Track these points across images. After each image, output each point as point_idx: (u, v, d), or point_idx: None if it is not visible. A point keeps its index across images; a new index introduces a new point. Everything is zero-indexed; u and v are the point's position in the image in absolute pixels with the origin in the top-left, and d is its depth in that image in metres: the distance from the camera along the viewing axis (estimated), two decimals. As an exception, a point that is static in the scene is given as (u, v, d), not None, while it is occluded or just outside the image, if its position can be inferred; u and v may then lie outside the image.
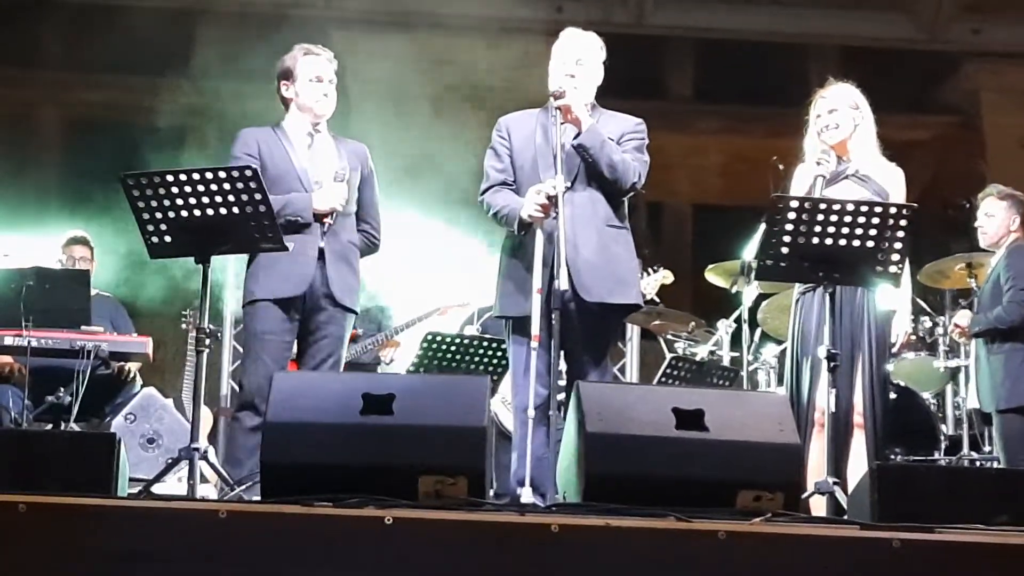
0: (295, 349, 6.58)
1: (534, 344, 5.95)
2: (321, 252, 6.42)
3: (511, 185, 6.33)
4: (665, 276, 9.07)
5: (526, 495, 5.70)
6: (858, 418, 6.37)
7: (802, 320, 6.54)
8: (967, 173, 12.76)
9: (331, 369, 6.45)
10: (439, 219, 10.62)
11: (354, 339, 8.75)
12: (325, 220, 6.43)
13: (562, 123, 6.17)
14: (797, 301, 6.62)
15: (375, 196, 6.80)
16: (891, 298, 6.51)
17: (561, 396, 6.21)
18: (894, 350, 6.65)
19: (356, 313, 6.64)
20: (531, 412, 5.91)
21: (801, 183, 6.54)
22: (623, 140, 6.33)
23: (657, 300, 9.32)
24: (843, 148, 6.59)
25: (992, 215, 8.07)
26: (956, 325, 8.24)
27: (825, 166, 6.40)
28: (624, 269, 6.35)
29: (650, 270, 9.11)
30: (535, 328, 5.95)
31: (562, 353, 6.13)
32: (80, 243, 8.98)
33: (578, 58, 6.34)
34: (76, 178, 12.69)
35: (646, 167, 6.36)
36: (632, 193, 6.35)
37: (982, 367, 7.93)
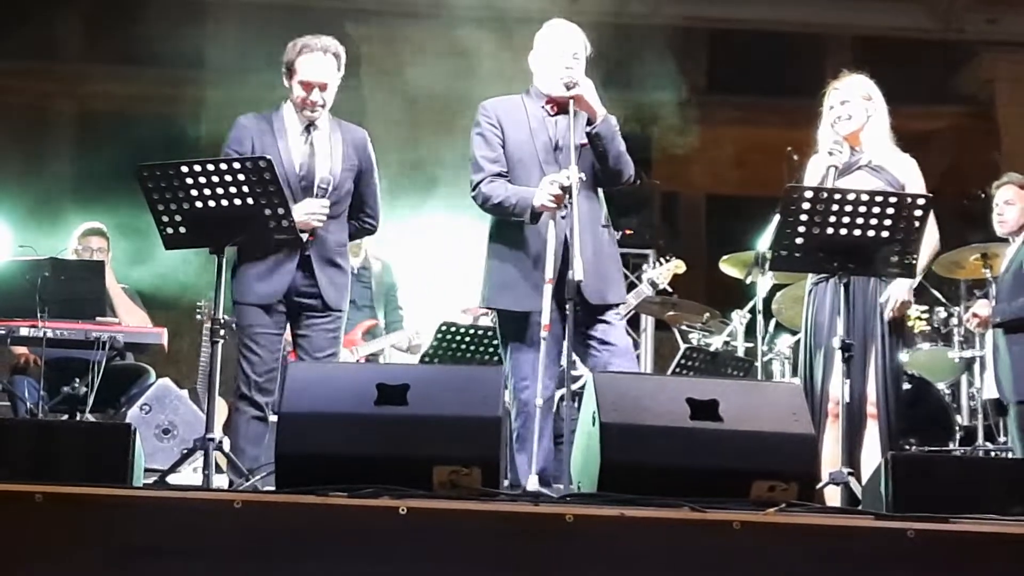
0: (288, 338, 6.58)
1: (544, 334, 5.94)
2: (308, 259, 6.40)
3: (506, 176, 6.30)
4: (677, 265, 9.07)
5: (531, 483, 5.71)
6: (871, 408, 6.36)
7: (815, 310, 6.54)
8: (982, 163, 12.75)
9: None
10: (454, 213, 10.61)
11: (371, 331, 8.75)
12: (303, 233, 6.38)
13: (554, 114, 6.18)
14: (810, 292, 6.62)
15: (374, 185, 6.72)
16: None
17: (561, 392, 6.25)
18: (886, 314, 6.57)
19: (344, 312, 6.62)
20: (539, 402, 5.92)
21: (814, 174, 6.53)
22: None
23: (670, 290, 9.31)
24: (856, 139, 6.60)
25: (1012, 203, 8.03)
26: (975, 314, 8.19)
27: (837, 156, 6.39)
28: (614, 269, 6.41)
29: (662, 259, 9.10)
30: (545, 318, 5.94)
31: (565, 346, 6.07)
32: (97, 234, 8.99)
33: (575, 52, 6.33)
34: (92, 169, 12.72)
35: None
36: (623, 186, 6.37)
37: (1002, 357, 7.87)
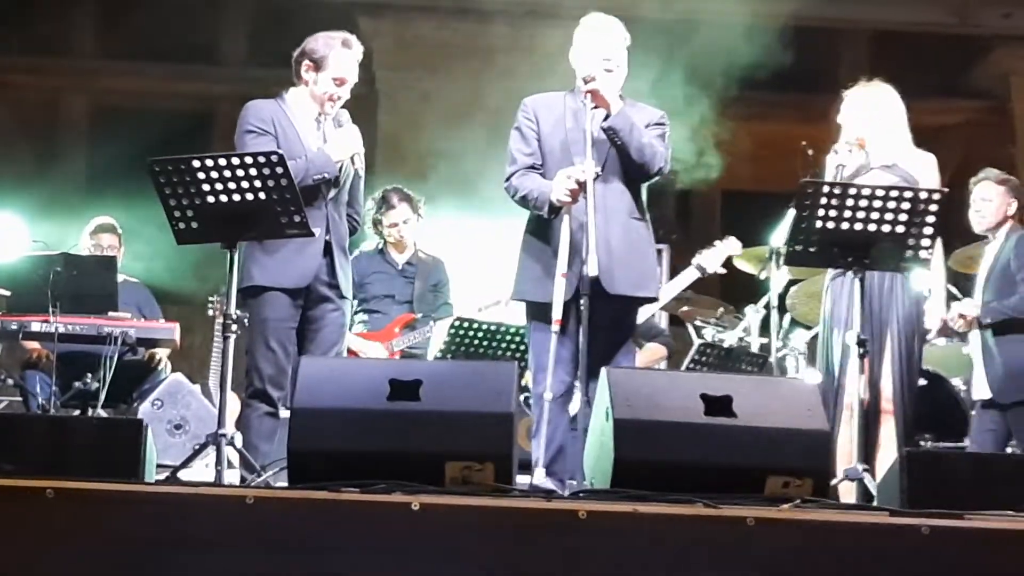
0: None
1: (555, 328, 5.94)
2: (328, 245, 6.40)
3: (539, 169, 6.31)
4: (732, 246, 8.96)
5: (538, 477, 5.70)
6: (887, 404, 6.35)
7: (833, 305, 6.53)
8: (997, 157, 12.70)
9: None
10: (465, 209, 10.61)
11: (411, 324, 8.70)
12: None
13: (593, 107, 6.16)
14: (828, 287, 6.61)
15: (362, 184, 6.74)
16: (925, 282, 6.50)
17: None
18: (930, 336, 6.60)
19: (350, 300, 6.62)
20: (547, 396, 5.92)
21: (831, 172, 6.52)
22: (647, 128, 6.32)
23: (723, 271, 9.19)
24: (864, 142, 6.59)
25: (989, 199, 7.95)
26: (961, 315, 8.06)
27: (844, 155, 6.39)
28: (647, 263, 6.36)
29: (716, 242, 9.02)
30: (557, 312, 5.94)
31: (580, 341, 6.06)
32: (107, 230, 8.99)
33: (615, 51, 6.31)
34: (105, 164, 12.75)
35: (669, 154, 6.35)
36: (656, 179, 6.35)
37: (994, 358, 7.78)
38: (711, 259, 8.89)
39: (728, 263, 9.25)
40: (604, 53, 6.29)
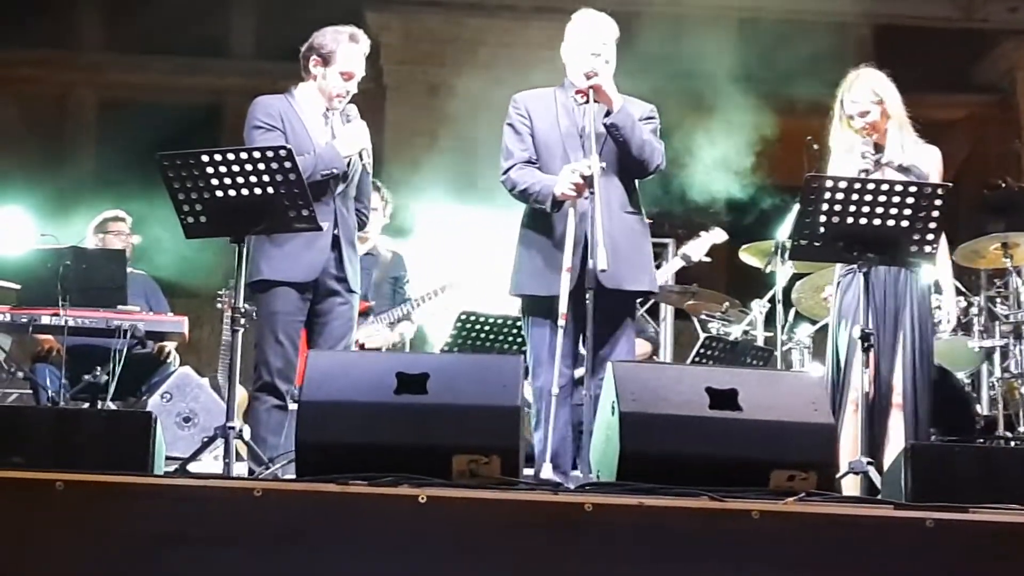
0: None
1: (561, 322, 5.95)
2: (336, 239, 6.42)
3: (534, 163, 6.32)
4: (717, 235, 8.98)
5: (545, 471, 5.72)
6: (897, 399, 6.36)
7: (842, 299, 6.53)
8: (1003, 152, 12.71)
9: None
10: (472, 203, 10.62)
11: (364, 313, 8.72)
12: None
13: (591, 102, 6.16)
14: (839, 282, 6.62)
15: (370, 179, 6.75)
16: (933, 277, 6.53)
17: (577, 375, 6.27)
18: (945, 330, 6.63)
19: (358, 294, 6.64)
20: (555, 391, 5.93)
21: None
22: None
23: (709, 259, 9.21)
24: (883, 138, 6.58)
25: None
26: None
27: (869, 160, 6.39)
28: (643, 256, 6.37)
29: (702, 232, 9.04)
30: (563, 307, 5.96)
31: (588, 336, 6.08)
32: (117, 221, 9.01)
33: (604, 41, 6.33)
34: (113, 158, 12.76)
35: (663, 149, 6.36)
36: (652, 175, 6.36)
37: None
38: (696, 249, 8.93)
39: (734, 257, 9.27)
40: (594, 48, 6.29)
